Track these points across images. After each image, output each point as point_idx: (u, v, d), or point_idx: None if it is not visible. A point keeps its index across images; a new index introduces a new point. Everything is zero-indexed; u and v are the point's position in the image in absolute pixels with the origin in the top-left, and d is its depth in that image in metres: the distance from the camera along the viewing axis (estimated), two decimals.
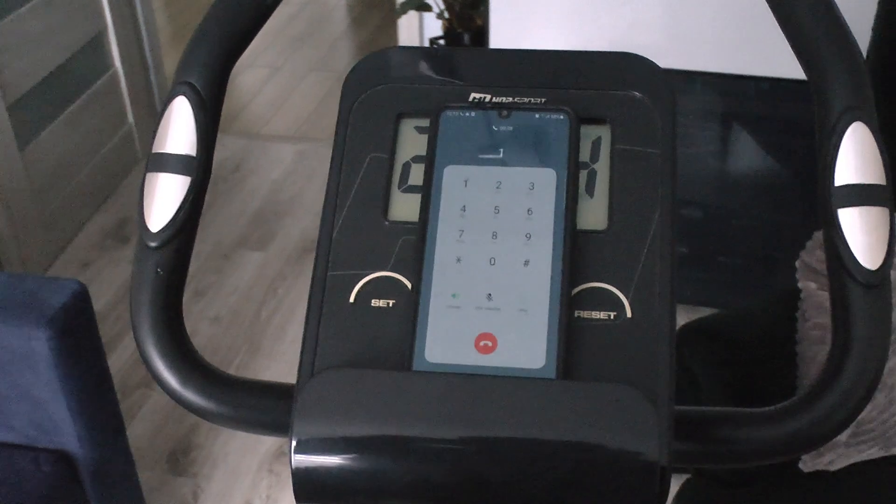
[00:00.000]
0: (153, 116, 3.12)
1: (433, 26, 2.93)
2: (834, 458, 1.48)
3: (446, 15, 2.80)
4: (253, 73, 3.86)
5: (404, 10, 2.74)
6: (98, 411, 1.59)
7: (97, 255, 2.81)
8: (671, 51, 2.10)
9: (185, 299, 0.57)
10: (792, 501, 1.52)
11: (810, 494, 1.51)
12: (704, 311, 1.77)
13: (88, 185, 2.92)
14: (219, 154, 3.17)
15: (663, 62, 0.59)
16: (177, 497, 2.11)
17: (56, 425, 1.55)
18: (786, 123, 2.30)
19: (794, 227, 2.29)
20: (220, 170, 3.16)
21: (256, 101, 3.69)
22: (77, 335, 1.51)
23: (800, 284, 1.50)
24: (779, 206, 2.38)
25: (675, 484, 1.64)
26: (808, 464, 1.48)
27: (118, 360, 2.41)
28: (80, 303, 1.51)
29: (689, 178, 2.46)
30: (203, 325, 2.56)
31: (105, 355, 1.61)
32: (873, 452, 1.49)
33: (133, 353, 2.43)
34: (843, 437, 1.45)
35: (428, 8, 2.75)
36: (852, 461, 1.49)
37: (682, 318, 1.77)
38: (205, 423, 2.25)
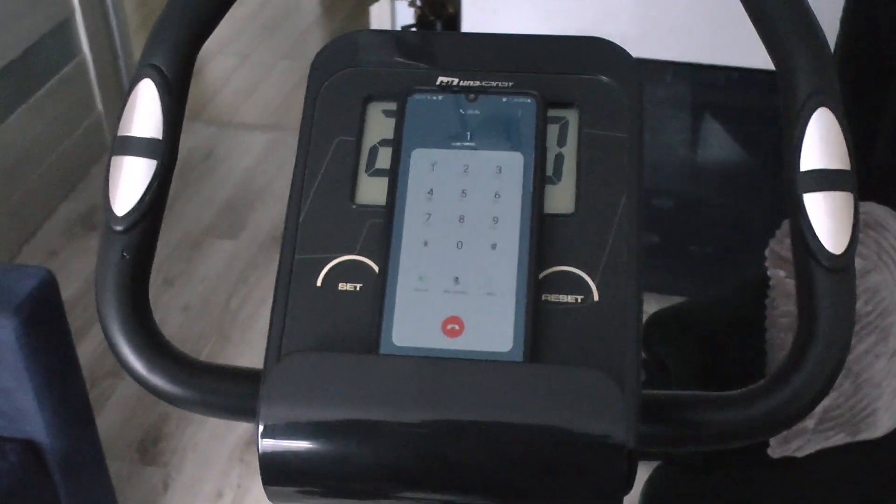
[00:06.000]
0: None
1: (405, 14, 2.92)
2: (801, 444, 1.49)
3: (418, 3, 2.79)
4: (223, 60, 3.83)
5: None
6: (66, 400, 1.58)
7: (65, 244, 2.78)
8: (642, 40, 2.10)
9: (154, 288, 0.57)
10: (760, 487, 1.53)
11: (778, 480, 1.52)
12: (675, 300, 1.77)
13: (56, 172, 2.89)
14: (188, 142, 3.13)
15: (634, 51, 0.59)
16: (147, 487, 2.10)
17: (23, 414, 1.53)
18: (756, 113, 2.31)
19: (763, 215, 2.30)
20: (190, 158, 3.14)
21: (226, 89, 3.66)
22: (44, 323, 1.49)
23: (769, 272, 1.51)
24: (749, 195, 2.39)
25: (646, 471, 1.64)
26: (775, 450, 1.49)
27: (87, 350, 2.39)
28: (48, 290, 1.49)
29: (659, 167, 2.47)
30: (172, 314, 2.55)
31: (73, 344, 1.60)
32: (840, 439, 1.51)
33: (102, 342, 2.41)
34: (810, 423, 1.46)
35: None
36: (819, 447, 1.50)
37: (653, 306, 1.78)
38: (174, 412, 2.23)
